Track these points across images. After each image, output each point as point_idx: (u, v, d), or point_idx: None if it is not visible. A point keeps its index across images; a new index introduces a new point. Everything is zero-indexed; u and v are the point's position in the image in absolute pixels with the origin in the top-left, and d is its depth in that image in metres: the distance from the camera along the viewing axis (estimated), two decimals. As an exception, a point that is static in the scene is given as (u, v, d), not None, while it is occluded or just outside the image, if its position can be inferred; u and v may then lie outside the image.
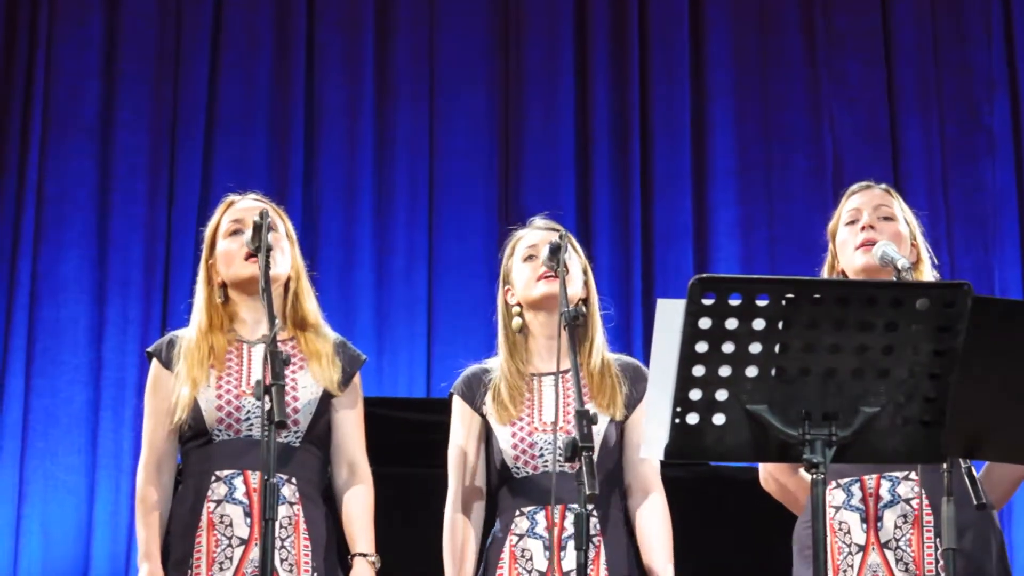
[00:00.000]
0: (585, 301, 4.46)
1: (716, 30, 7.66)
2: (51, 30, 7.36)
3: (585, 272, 4.50)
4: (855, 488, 4.20)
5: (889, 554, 4.13)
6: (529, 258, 4.43)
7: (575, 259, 4.45)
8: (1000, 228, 7.41)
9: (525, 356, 4.45)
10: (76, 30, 7.39)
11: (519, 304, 4.46)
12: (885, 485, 4.17)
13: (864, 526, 4.17)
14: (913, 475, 4.16)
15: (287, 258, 4.47)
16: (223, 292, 4.49)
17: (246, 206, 4.52)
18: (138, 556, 4.31)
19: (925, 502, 4.13)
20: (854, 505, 4.19)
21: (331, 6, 7.55)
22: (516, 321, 4.46)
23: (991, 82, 7.59)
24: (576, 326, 4.26)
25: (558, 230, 4.46)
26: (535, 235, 4.48)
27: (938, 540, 4.09)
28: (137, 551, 4.32)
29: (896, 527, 4.14)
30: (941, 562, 4.05)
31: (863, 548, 4.16)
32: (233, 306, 4.49)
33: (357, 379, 4.50)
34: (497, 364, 4.48)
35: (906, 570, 4.11)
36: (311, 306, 4.52)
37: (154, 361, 4.46)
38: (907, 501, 4.16)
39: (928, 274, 4.40)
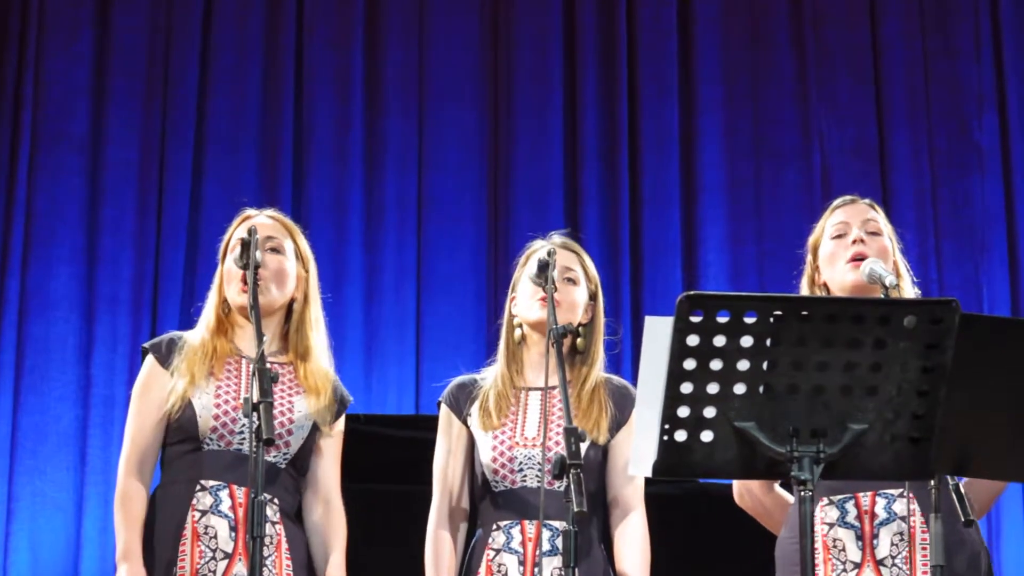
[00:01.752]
0: (587, 325, 4.47)
1: (705, 45, 7.66)
2: (41, 46, 7.36)
3: (593, 297, 4.50)
4: (849, 505, 4.19)
5: (885, 572, 4.11)
6: None
7: (582, 283, 4.46)
8: (989, 244, 7.42)
9: (520, 367, 4.46)
10: (66, 46, 7.38)
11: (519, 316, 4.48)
12: (880, 503, 4.16)
13: (859, 543, 4.15)
14: (908, 492, 4.15)
15: (290, 282, 4.47)
16: (227, 305, 4.48)
17: (258, 223, 4.50)
18: (117, 554, 4.26)
19: (920, 520, 4.12)
20: (848, 522, 4.18)
21: (321, 23, 7.55)
22: (517, 332, 4.46)
23: (980, 98, 7.60)
24: (575, 344, 4.33)
25: (573, 248, 4.47)
26: (543, 253, 4.39)
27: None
28: (116, 550, 4.27)
29: (892, 544, 4.13)
30: None
31: (858, 565, 4.14)
32: (235, 317, 4.48)
33: (343, 419, 4.52)
34: (490, 373, 4.50)
35: (903, 587, 4.11)
36: (316, 337, 4.52)
37: (150, 356, 4.43)
38: (903, 519, 4.14)
39: (910, 290, 4.39)
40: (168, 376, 4.36)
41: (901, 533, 4.13)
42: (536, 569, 4.22)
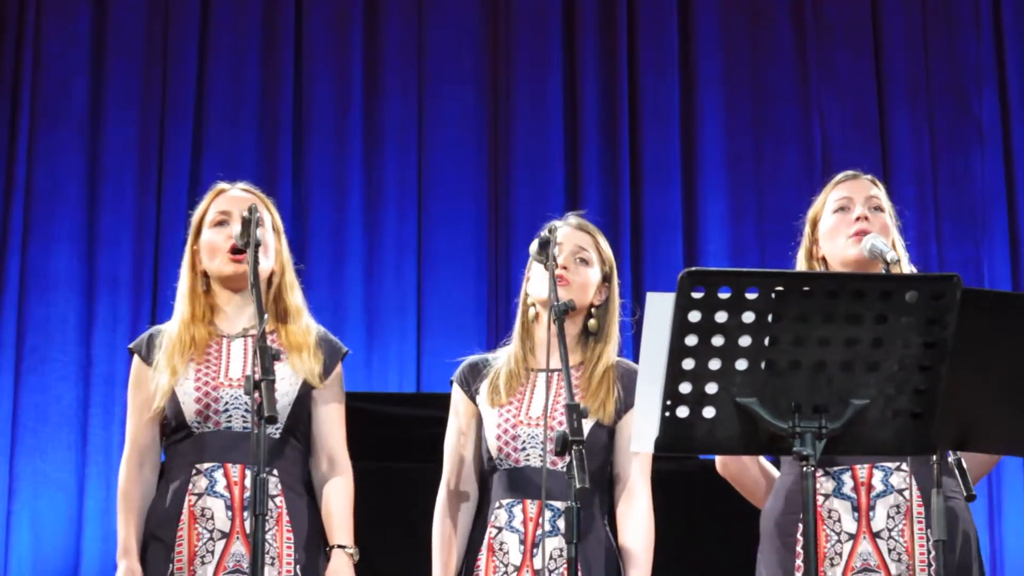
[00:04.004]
0: (601, 306, 4.46)
1: (705, 20, 7.65)
2: (39, 25, 7.35)
3: (607, 278, 4.49)
4: (846, 477, 4.19)
5: (881, 544, 4.12)
6: None
7: (595, 264, 4.45)
8: (989, 221, 7.42)
9: (533, 345, 4.45)
10: (65, 25, 7.38)
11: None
12: (878, 475, 4.16)
13: (855, 515, 4.16)
14: (905, 466, 4.16)
15: (271, 253, 4.46)
16: (205, 282, 4.47)
17: (235, 196, 4.51)
18: (117, 552, 4.28)
19: (917, 493, 4.13)
20: (845, 493, 4.18)
21: (319, 0, 7.54)
22: (531, 311, 4.46)
23: (980, 72, 7.59)
24: (588, 325, 4.34)
25: (587, 230, 4.47)
26: (559, 234, 4.39)
27: (929, 531, 4.09)
28: (117, 547, 4.30)
29: (889, 517, 4.14)
30: (932, 552, 4.05)
31: (853, 537, 4.16)
32: (214, 297, 4.47)
33: (339, 371, 4.49)
34: (503, 353, 4.50)
35: (899, 560, 4.12)
36: (294, 299, 4.50)
37: (135, 357, 4.46)
38: (900, 492, 4.15)
39: (907, 269, 4.40)
40: (152, 370, 4.38)
41: (898, 506, 4.14)
42: (536, 549, 4.22)
